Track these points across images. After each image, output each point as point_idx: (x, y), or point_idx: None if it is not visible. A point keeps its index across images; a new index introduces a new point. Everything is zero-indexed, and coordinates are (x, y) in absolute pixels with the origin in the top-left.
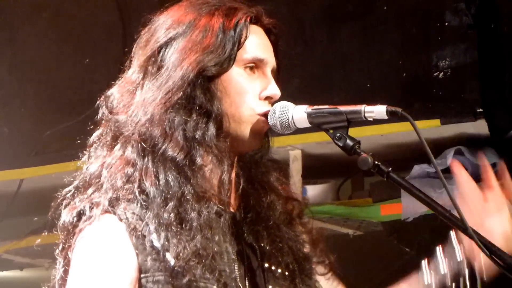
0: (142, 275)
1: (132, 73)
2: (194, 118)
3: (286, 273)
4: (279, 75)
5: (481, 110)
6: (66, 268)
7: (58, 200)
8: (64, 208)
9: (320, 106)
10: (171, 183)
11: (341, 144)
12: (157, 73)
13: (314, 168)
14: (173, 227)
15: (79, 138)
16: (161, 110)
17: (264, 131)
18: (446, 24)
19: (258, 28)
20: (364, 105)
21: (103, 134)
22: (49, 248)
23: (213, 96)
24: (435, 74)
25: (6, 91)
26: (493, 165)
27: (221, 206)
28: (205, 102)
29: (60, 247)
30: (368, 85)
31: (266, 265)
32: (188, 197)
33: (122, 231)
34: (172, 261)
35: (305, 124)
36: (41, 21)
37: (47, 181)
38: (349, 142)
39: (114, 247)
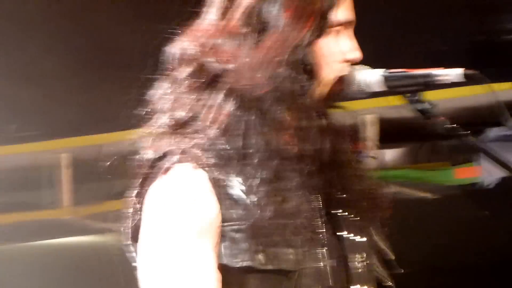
0: (224, 223)
1: (233, 22)
2: (300, 78)
3: (358, 217)
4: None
5: None
6: (141, 215)
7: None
8: (150, 146)
9: (397, 70)
10: (276, 142)
11: (418, 108)
12: (265, 30)
13: (391, 133)
14: (271, 185)
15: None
16: (279, 68)
17: (341, 93)
18: None
19: None
20: (440, 68)
21: (191, 76)
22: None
23: (311, 57)
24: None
25: (84, 57)
26: None
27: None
28: (308, 63)
29: (136, 192)
30: (444, 48)
31: (340, 211)
32: (291, 156)
33: (204, 180)
34: (261, 217)
35: (382, 87)
36: None
37: (125, 146)
38: (426, 105)
39: (194, 194)
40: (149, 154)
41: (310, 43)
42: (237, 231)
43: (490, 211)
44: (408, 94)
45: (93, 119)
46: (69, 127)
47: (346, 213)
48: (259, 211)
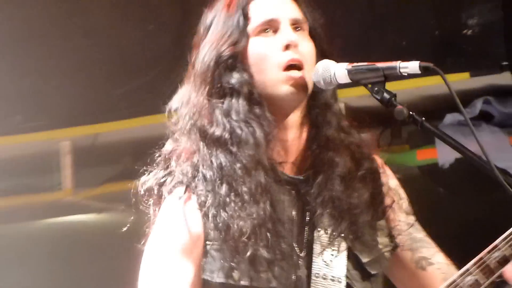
0: (207, 242)
1: (190, 74)
2: (227, 98)
3: (342, 234)
4: (320, 29)
5: (506, 63)
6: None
7: (154, 159)
8: (153, 172)
9: (359, 64)
10: (223, 162)
11: (378, 97)
12: (192, 72)
13: (356, 120)
14: (232, 204)
15: (146, 97)
16: (202, 102)
17: (298, 83)
18: None
19: None
20: (399, 61)
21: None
22: (122, 194)
23: (237, 72)
24: (465, 31)
25: (82, 56)
26: None
27: (280, 171)
28: (231, 81)
29: (152, 202)
30: (404, 43)
31: (320, 231)
32: (239, 172)
33: (194, 203)
34: (233, 237)
35: (346, 79)
36: None
37: (118, 135)
38: (386, 95)
39: (187, 213)
40: (152, 179)
41: (223, 63)
42: (215, 249)
43: (446, 188)
44: (370, 85)
45: (90, 110)
46: (68, 118)
47: (329, 230)
48: (234, 232)
